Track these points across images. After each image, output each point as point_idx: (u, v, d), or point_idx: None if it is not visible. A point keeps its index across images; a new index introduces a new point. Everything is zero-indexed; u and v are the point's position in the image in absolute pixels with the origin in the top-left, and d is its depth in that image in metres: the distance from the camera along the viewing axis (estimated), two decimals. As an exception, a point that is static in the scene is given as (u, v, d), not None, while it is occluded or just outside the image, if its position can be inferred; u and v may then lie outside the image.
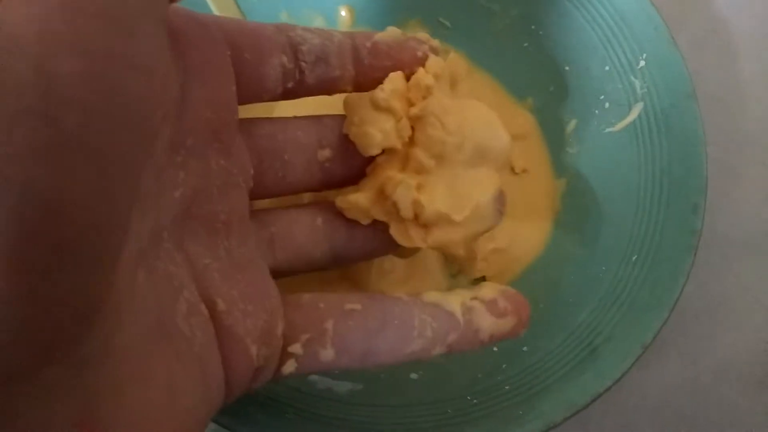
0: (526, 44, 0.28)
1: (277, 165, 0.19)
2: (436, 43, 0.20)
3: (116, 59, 0.09)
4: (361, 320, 0.16)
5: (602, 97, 0.26)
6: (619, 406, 0.26)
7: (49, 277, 0.08)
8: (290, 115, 0.20)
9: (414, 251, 0.23)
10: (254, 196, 0.18)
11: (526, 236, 0.26)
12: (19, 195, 0.07)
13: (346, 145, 0.19)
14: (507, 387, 0.21)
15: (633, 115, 0.25)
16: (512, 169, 0.27)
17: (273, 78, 0.17)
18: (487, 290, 0.18)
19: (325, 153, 0.19)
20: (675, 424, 0.26)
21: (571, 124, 0.27)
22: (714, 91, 0.32)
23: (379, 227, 0.19)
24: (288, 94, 0.18)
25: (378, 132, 0.18)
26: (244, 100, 0.17)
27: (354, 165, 0.20)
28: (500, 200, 0.19)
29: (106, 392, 0.10)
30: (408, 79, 0.19)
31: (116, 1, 0.09)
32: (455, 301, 0.18)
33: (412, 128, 0.19)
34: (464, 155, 0.19)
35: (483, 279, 0.26)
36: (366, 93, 0.19)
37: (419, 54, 0.19)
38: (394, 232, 0.19)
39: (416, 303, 0.17)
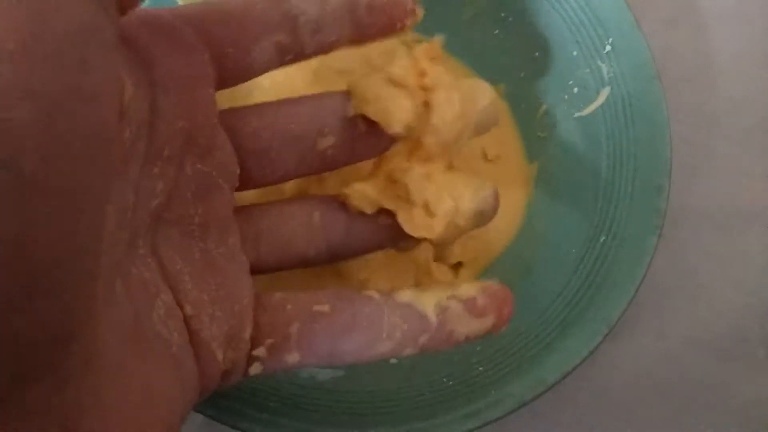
0: (496, 31, 0.28)
1: (265, 162, 0.18)
2: None
3: (68, 96, 0.09)
4: (328, 323, 0.16)
5: (571, 82, 0.27)
6: (592, 380, 0.27)
7: (20, 309, 0.08)
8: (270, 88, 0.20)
9: (413, 245, 0.22)
10: (243, 188, 0.18)
11: (500, 221, 0.27)
12: None
13: (352, 127, 0.18)
14: (481, 368, 0.22)
15: (600, 100, 0.26)
16: (485, 156, 0.28)
17: (265, 59, 0.17)
18: (467, 288, 0.18)
19: (328, 140, 0.18)
20: (648, 396, 0.27)
21: (542, 110, 0.28)
22: (685, 69, 0.32)
23: (381, 221, 0.19)
24: (284, 65, 0.18)
25: (399, 109, 0.18)
26: (232, 83, 0.17)
27: (361, 148, 0.19)
28: (496, 196, 0.20)
29: (88, 404, 0.10)
30: (397, 31, 0.19)
31: (62, 39, 0.09)
32: (429, 301, 0.17)
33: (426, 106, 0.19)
34: (466, 138, 0.19)
35: (460, 264, 0.27)
36: (377, 72, 0.18)
37: (408, 7, 0.19)
38: (403, 219, 0.18)
39: (387, 303, 0.17)
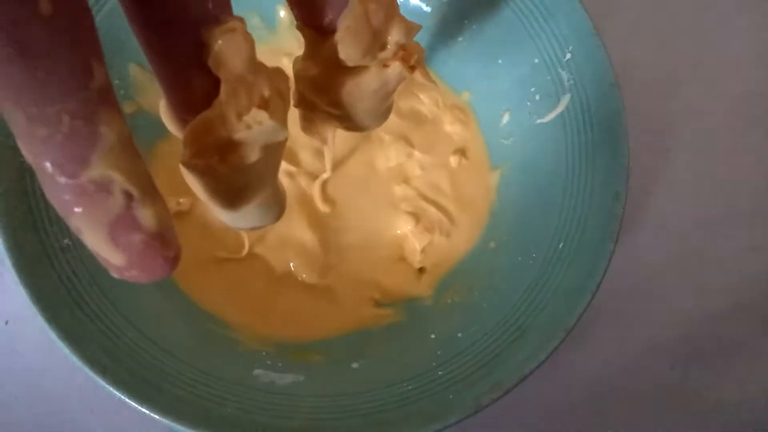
0: (460, 38, 0.29)
1: None
2: None
3: None
4: None
5: (533, 89, 0.27)
6: (552, 383, 0.27)
7: None
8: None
9: None
10: None
11: (463, 227, 0.27)
12: None
13: None
14: (440, 372, 0.22)
15: (561, 107, 0.26)
16: (450, 161, 0.28)
17: None
18: None
19: None
20: (607, 400, 0.27)
21: (505, 117, 0.28)
22: (646, 76, 0.33)
23: None
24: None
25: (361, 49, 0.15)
26: None
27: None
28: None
29: None
30: None
31: None
32: None
33: None
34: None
35: (422, 269, 0.27)
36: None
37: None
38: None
39: None
